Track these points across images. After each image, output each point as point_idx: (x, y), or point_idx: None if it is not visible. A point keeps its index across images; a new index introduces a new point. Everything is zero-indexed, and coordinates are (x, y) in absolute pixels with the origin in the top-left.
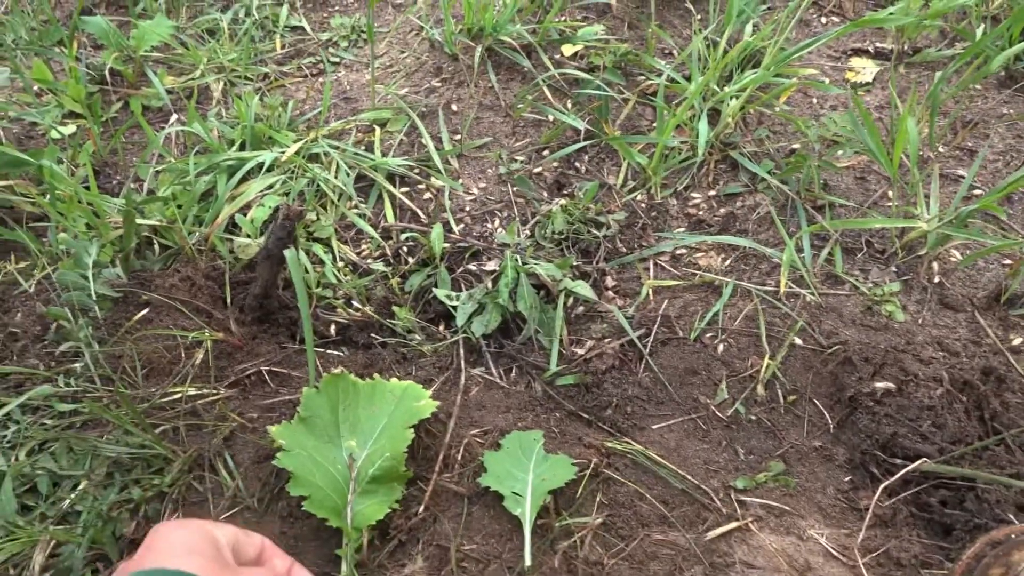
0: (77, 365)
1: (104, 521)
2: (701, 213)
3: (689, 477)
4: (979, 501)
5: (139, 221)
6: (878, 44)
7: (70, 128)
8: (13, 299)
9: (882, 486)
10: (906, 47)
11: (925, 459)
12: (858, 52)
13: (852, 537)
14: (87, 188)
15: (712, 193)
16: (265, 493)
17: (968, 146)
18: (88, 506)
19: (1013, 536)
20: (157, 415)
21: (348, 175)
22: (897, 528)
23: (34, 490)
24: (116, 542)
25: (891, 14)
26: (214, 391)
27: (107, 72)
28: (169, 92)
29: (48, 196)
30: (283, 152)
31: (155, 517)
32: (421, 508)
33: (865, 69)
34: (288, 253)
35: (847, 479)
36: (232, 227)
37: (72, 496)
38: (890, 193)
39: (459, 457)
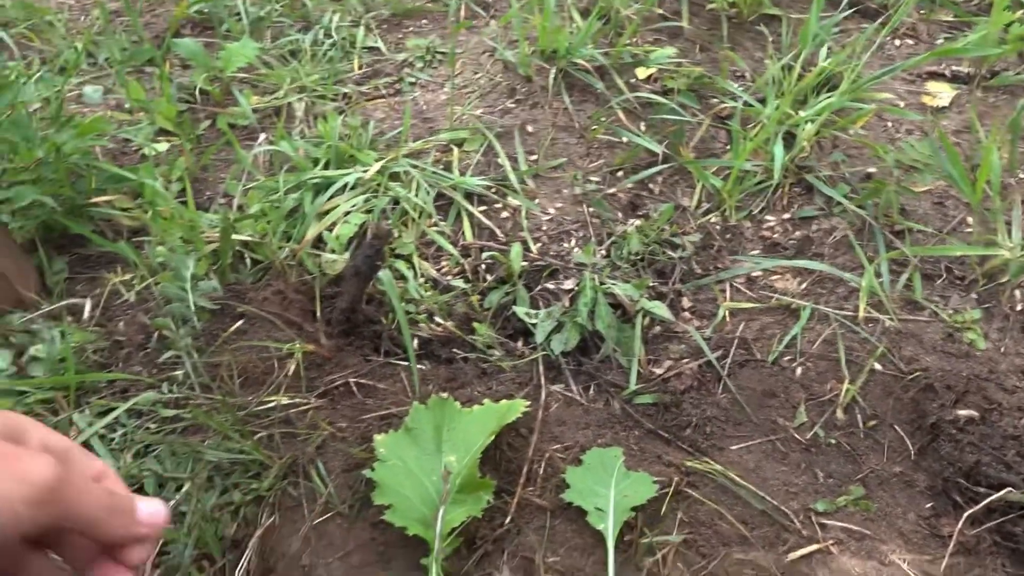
0: (178, 373)
1: (207, 522)
2: (776, 236)
3: (769, 498)
4: None
5: (233, 236)
6: (954, 68)
7: (163, 145)
8: (115, 308)
9: (966, 514)
10: (984, 71)
11: (1011, 488)
12: (934, 75)
13: (935, 564)
14: (183, 203)
15: (787, 216)
16: (356, 500)
17: None
18: (192, 507)
19: None
20: (253, 423)
21: (428, 193)
22: (981, 557)
23: (141, 491)
24: (219, 542)
25: (969, 43)
26: (305, 401)
27: (196, 91)
28: (254, 111)
29: (148, 211)
30: (366, 171)
31: (253, 520)
32: (507, 520)
33: (942, 93)
34: (384, 275)
35: (928, 506)
36: (318, 243)
37: (177, 497)
38: (969, 219)
39: (541, 471)
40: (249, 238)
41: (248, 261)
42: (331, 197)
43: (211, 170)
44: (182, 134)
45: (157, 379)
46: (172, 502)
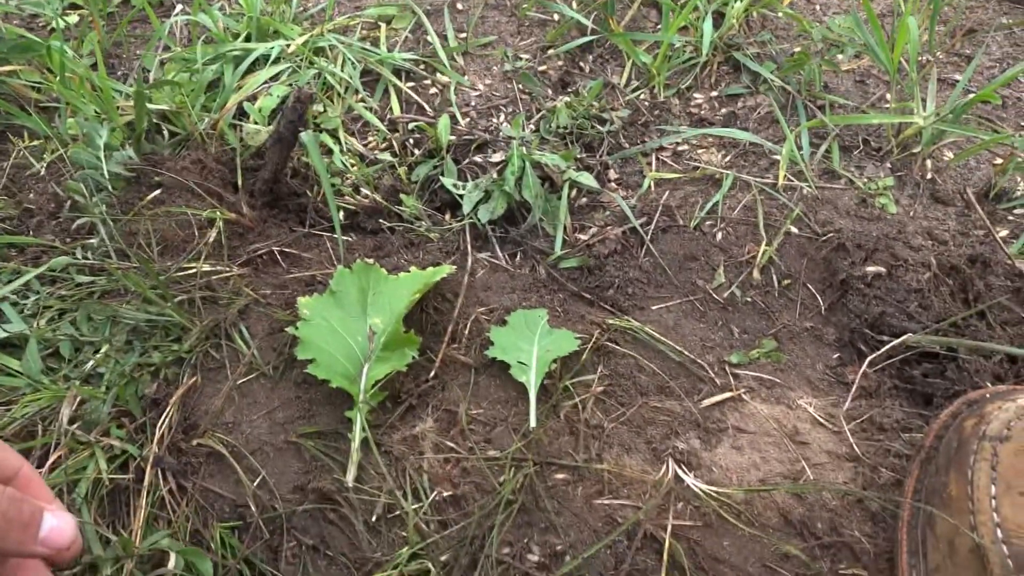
0: (93, 240)
1: (127, 381)
2: (703, 112)
3: (686, 352)
4: (959, 371)
5: (148, 106)
6: None
7: (73, 18)
8: (25, 180)
9: (868, 359)
10: None
11: (910, 334)
12: None
13: (838, 406)
14: (95, 70)
15: (714, 94)
16: (280, 361)
17: (966, 53)
18: (110, 368)
19: (988, 395)
20: (173, 288)
21: (354, 68)
22: (881, 398)
23: (57, 355)
24: (139, 400)
25: None
26: (227, 268)
27: None
28: None
29: (57, 78)
30: (289, 44)
31: (174, 380)
32: (431, 375)
33: None
34: (306, 136)
35: (836, 356)
36: (240, 116)
37: (95, 359)
38: (888, 96)
39: (467, 332)
40: (166, 108)
41: (166, 133)
42: (252, 70)
43: (126, 46)
44: (92, 6)
45: (71, 247)
46: (89, 363)
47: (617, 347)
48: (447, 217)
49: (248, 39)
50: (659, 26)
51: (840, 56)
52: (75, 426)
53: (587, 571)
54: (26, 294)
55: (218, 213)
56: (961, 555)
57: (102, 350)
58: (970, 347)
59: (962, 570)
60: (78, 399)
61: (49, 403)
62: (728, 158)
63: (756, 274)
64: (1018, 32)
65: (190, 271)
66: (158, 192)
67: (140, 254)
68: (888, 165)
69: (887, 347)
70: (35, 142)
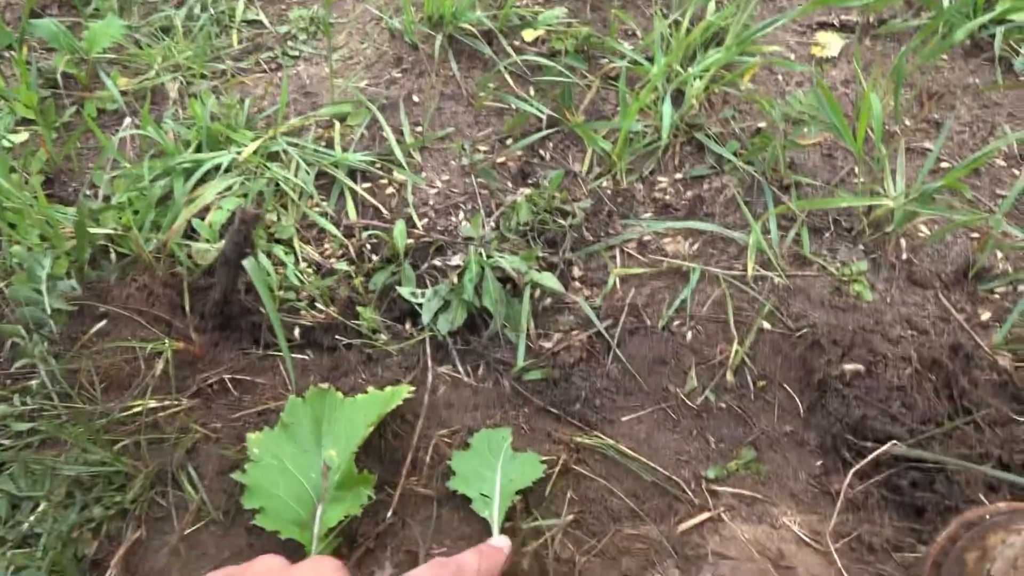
0: (33, 383)
1: (64, 543)
2: (668, 197)
3: (660, 469)
4: (950, 483)
5: (94, 230)
6: (843, 17)
7: (22, 136)
8: None
9: (852, 470)
10: (871, 19)
11: (895, 442)
12: (824, 26)
13: (824, 523)
14: (37, 199)
15: (678, 176)
16: (231, 505)
17: (935, 118)
18: (48, 528)
19: (987, 517)
20: (117, 430)
21: (308, 173)
22: (869, 512)
23: None
24: (78, 563)
25: None
26: (176, 402)
27: (59, 76)
28: (124, 94)
29: None
30: (240, 152)
31: (117, 535)
32: (389, 513)
33: (831, 43)
34: (248, 263)
35: (818, 464)
36: (191, 232)
37: (31, 518)
38: (857, 169)
39: (427, 459)
40: (112, 231)
41: (113, 256)
42: (203, 182)
43: (76, 161)
44: (43, 122)
45: (9, 391)
46: (26, 524)
47: (586, 470)
48: (407, 326)
49: (199, 148)
50: (619, 108)
51: (804, 131)
52: None
53: None
54: None
55: (166, 343)
56: None
57: (40, 507)
58: (957, 465)
59: None
60: (11, 568)
61: None
62: (696, 246)
63: (730, 376)
64: (987, 93)
65: (135, 409)
66: (102, 324)
67: (82, 395)
68: (861, 247)
69: (871, 457)
70: None
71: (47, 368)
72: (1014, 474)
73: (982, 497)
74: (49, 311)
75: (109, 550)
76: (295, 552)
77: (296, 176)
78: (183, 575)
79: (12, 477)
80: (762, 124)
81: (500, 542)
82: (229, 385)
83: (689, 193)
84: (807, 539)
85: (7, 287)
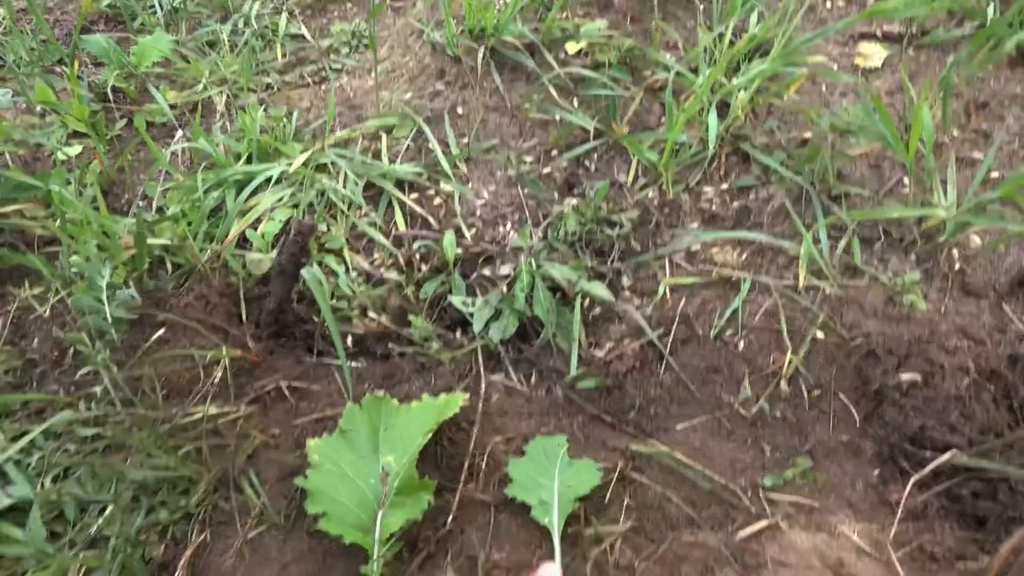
0: (97, 389)
1: (133, 546)
2: (714, 208)
3: (716, 477)
4: (1012, 493)
5: (150, 241)
6: (886, 27)
7: (75, 148)
8: (29, 324)
9: (912, 479)
10: (915, 30)
11: (955, 451)
12: (866, 36)
13: (884, 532)
14: (96, 210)
15: (724, 187)
16: (291, 509)
17: (983, 128)
18: (116, 531)
19: None
20: (179, 436)
21: (357, 184)
22: (929, 521)
23: (61, 517)
24: (146, 566)
25: (900, 2)
26: (235, 409)
27: (109, 90)
28: (172, 107)
29: (58, 220)
30: (290, 164)
31: (183, 538)
32: (449, 519)
33: (874, 54)
34: (306, 272)
35: (876, 473)
36: (243, 242)
37: (100, 521)
38: (905, 179)
39: (484, 466)
40: (168, 242)
41: (169, 266)
42: (254, 193)
43: (129, 172)
44: (95, 136)
45: (74, 397)
46: (94, 527)
47: (643, 476)
48: (458, 335)
49: (249, 160)
50: (663, 120)
51: (852, 141)
52: None
53: None
54: (30, 451)
55: (224, 351)
56: None
57: (107, 511)
58: (1020, 475)
59: None
60: (83, 569)
61: None
62: (744, 256)
63: (784, 386)
64: None
65: (196, 415)
66: (162, 332)
67: (145, 401)
68: (913, 257)
69: (932, 466)
70: (37, 290)
71: (110, 375)
72: None
73: None
74: (110, 319)
75: (175, 553)
76: (356, 556)
77: (345, 187)
78: None
79: (79, 481)
80: (807, 135)
81: (551, 572)
82: (286, 392)
83: (736, 204)
84: (867, 548)
85: (69, 296)
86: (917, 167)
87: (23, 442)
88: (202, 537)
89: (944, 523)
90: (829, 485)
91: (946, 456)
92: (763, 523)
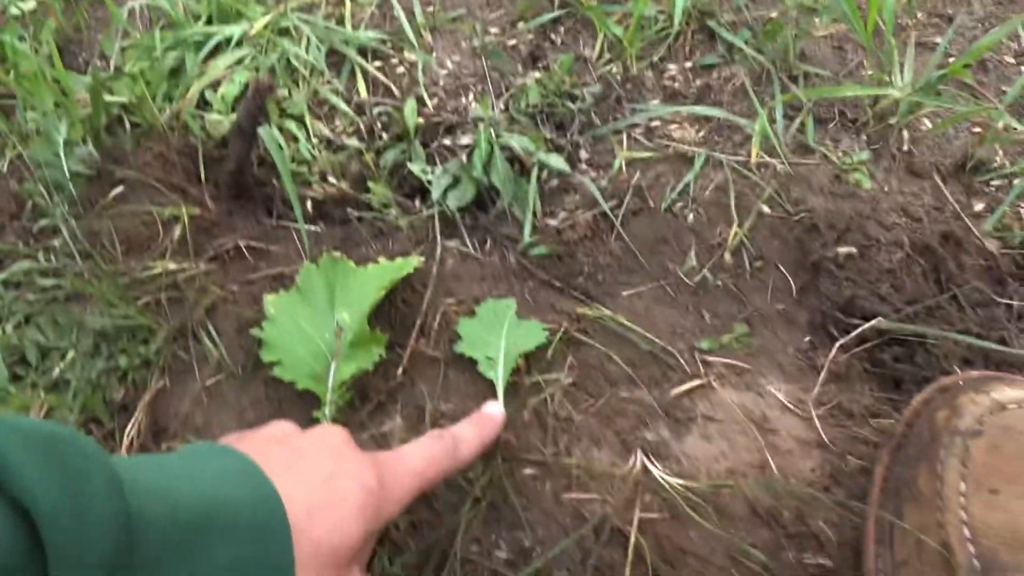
0: (56, 242)
1: (93, 388)
2: (677, 85)
3: (656, 340)
4: (928, 355)
5: (108, 98)
6: None
7: (30, 4)
8: None
9: (837, 344)
10: None
11: (880, 318)
12: None
13: (808, 392)
14: (52, 65)
15: (688, 64)
16: (249, 361)
17: (948, 13)
18: (77, 374)
19: (961, 383)
20: (138, 289)
21: (319, 49)
22: (851, 383)
23: (23, 361)
24: (107, 407)
25: None
26: (193, 265)
27: None
28: None
29: (11, 73)
30: (251, 26)
31: (143, 384)
32: (399, 372)
33: None
34: (263, 131)
35: (807, 340)
36: (204, 105)
37: (61, 365)
38: (867, 63)
39: (435, 325)
40: (126, 100)
41: (127, 125)
42: (214, 55)
43: (86, 30)
44: None
45: (33, 249)
46: (56, 370)
47: (587, 338)
48: (416, 203)
49: (209, 21)
50: None
51: (816, 21)
52: None
53: (554, 567)
54: None
55: (183, 209)
56: (928, 551)
57: (68, 356)
58: (937, 336)
59: (929, 567)
60: (45, 407)
61: (16, 412)
62: (702, 133)
63: (728, 257)
64: None
65: (155, 270)
66: (120, 189)
67: (104, 255)
68: (864, 138)
69: (857, 331)
70: None
71: (68, 228)
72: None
73: (957, 370)
74: (68, 174)
75: (135, 396)
76: (310, 403)
77: (307, 53)
78: (205, 420)
79: (40, 328)
80: (774, 13)
81: (493, 409)
82: (244, 251)
83: (699, 81)
84: (791, 406)
85: (26, 152)
86: (877, 48)
87: None
88: (161, 383)
89: (864, 385)
90: (762, 349)
91: (871, 322)
92: (696, 382)
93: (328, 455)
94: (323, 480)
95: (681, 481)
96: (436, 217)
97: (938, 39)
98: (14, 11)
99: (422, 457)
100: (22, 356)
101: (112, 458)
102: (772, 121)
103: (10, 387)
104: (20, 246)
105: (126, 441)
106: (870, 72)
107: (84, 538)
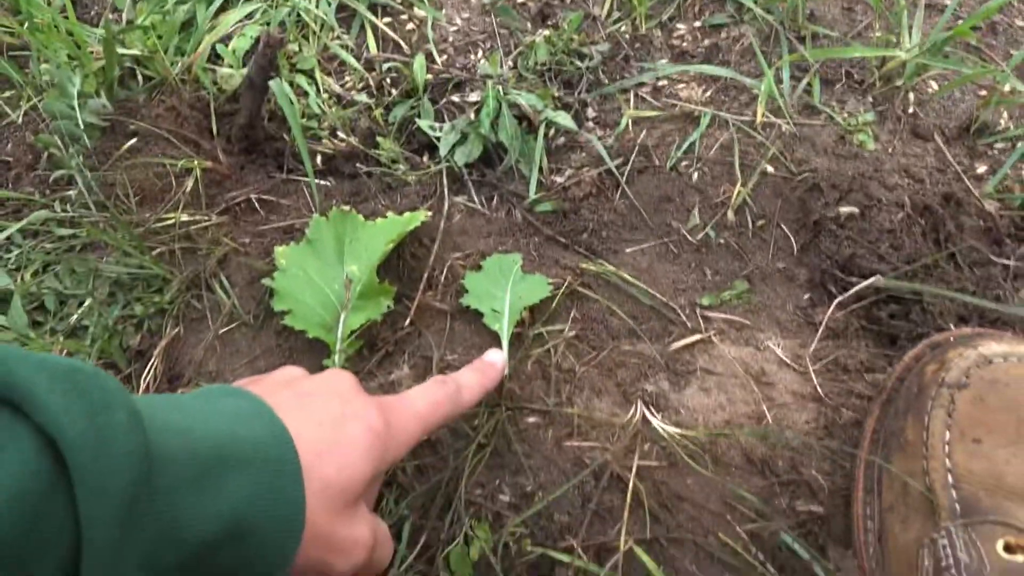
0: (71, 192)
1: (111, 335)
2: (685, 44)
3: (658, 295)
4: (924, 313)
5: (120, 51)
6: None
7: None
8: (2, 130)
9: (836, 301)
10: None
11: (879, 276)
12: None
13: (805, 348)
14: (66, 17)
15: (697, 24)
16: (260, 310)
17: None
18: (94, 321)
19: (951, 339)
20: (152, 239)
21: (329, 5)
22: (847, 339)
23: (42, 308)
24: (124, 352)
25: None
26: (206, 217)
27: None
28: None
29: (26, 24)
30: None
31: (157, 331)
32: (407, 322)
33: None
34: (274, 84)
35: (806, 297)
36: (215, 58)
37: (79, 312)
38: (876, 24)
39: (442, 278)
40: (138, 53)
41: (140, 78)
42: (224, 8)
43: None
44: None
45: (50, 199)
46: (74, 317)
47: (590, 292)
48: (424, 159)
49: None
50: None
51: None
52: None
53: (555, 510)
54: (9, 248)
55: (195, 162)
56: (913, 496)
57: (86, 303)
58: (933, 293)
59: (913, 511)
60: (64, 353)
61: None
62: (708, 93)
63: (731, 215)
64: None
65: (169, 221)
66: (134, 141)
67: (118, 206)
68: (870, 99)
69: (855, 289)
70: (8, 92)
71: (83, 179)
72: (984, 302)
73: (952, 327)
74: (83, 126)
75: (151, 343)
76: (320, 352)
77: (317, 7)
78: (218, 367)
79: (57, 276)
80: None
81: (495, 357)
82: (255, 204)
83: (707, 41)
84: (788, 361)
85: (40, 103)
86: (887, 10)
87: (1, 237)
88: (176, 330)
89: (861, 341)
90: (762, 306)
91: (870, 280)
92: (696, 336)
93: (336, 398)
94: (331, 422)
95: (679, 431)
96: (444, 173)
97: (947, 1)
98: None
99: (426, 401)
100: (41, 303)
101: (132, 395)
102: (779, 81)
103: (30, 332)
104: (37, 196)
105: (142, 386)
106: (878, 34)
107: (107, 467)
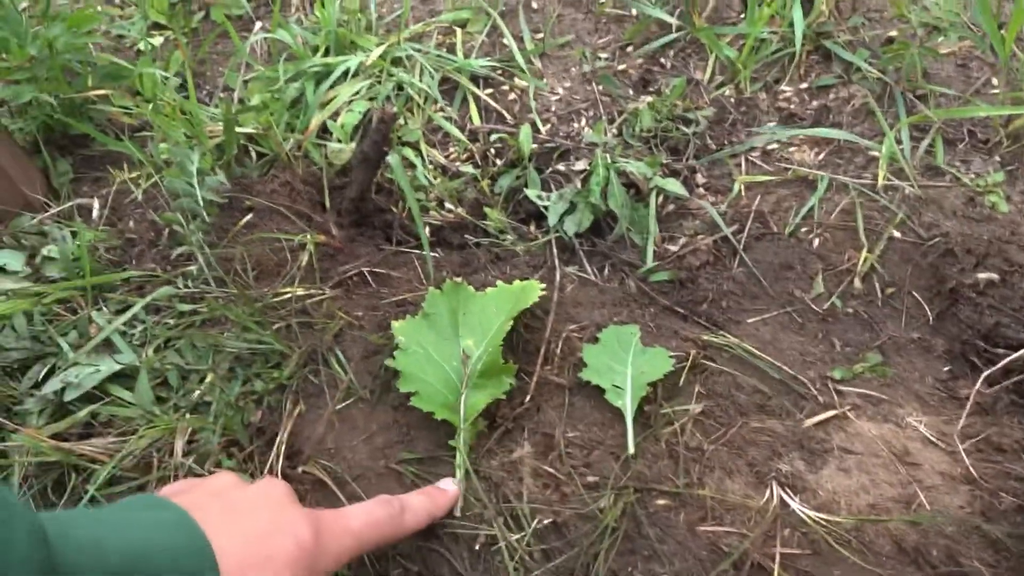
0: (192, 268)
1: (233, 411)
2: (792, 107)
3: (786, 368)
4: None
5: (236, 129)
6: None
7: (157, 39)
8: (124, 208)
9: (984, 374)
10: None
11: None
12: None
13: (951, 424)
14: (186, 97)
15: (804, 86)
16: (376, 385)
17: None
18: (216, 397)
19: None
20: (270, 314)
21: (432, 78)
22: (998, 416)
23: (165, 384)
24: (245, 429)
25: None
26: (320, 291)
27: None
28: (248, 0)
29: (151, 104)
30: (367, 56)
31: (278, 407)
32: (527, 399)
33: None
34: (391, 158)
35: (946, 369)
36: (323, 133)
37: (201, 388)
38: (994, 80)
39: (559, 352)
40: (252, 131)
41: (253, 154)
42: (333, 85)
43: (208, 64)
44: (175, 27)
45: (171, 275)
46: (196, 393)
47: (713, 364)
48: (532, 228)
49: (327, 52)
50: (742, 15)
51: (940, 39)
52: (190, 459)
53: None
54: (133, 324)
55: (309, 236)
56: None
57: (207, 379)
58: None
59: None
60: (189, 430)
61: (162, 435)
62: (822, 156)
63: (857, 283)
64: None
65: (285, 296)
66: (250, 216)
67: (237, 281)
68: (997, 159)
69: (1005, 361)
70: (133, 173)
71: (204, 255)
72: None
73: None
74: (202, 203)
75: (271, 420)
76: (437, 426)
77: (420, 81)
78: (337, 443)
79: (179, 352)
80: (893, 32)
81: (448, 485)
82: (367, 277)
83: (815, 103)
84: (933, 439)
85: (162, 181)
86: (1008, 65)
87: (128, 315)
88: (298, 408)
89: (1013, 418)
90: (898, 379)
91: (1020, 352)
92: (831, 412)
93: (266, 511)
94: (258, 535)
95: (821, 515)
96: (553, 243)
97: None
98: (142, 47)
99: (364, 519)
100: (164, 379)
101: (40, 513)
102: (898, 143)
103: (155, 409)
104: (159, 272)
105: (268, 464)
106: (998, 90)
107: None
